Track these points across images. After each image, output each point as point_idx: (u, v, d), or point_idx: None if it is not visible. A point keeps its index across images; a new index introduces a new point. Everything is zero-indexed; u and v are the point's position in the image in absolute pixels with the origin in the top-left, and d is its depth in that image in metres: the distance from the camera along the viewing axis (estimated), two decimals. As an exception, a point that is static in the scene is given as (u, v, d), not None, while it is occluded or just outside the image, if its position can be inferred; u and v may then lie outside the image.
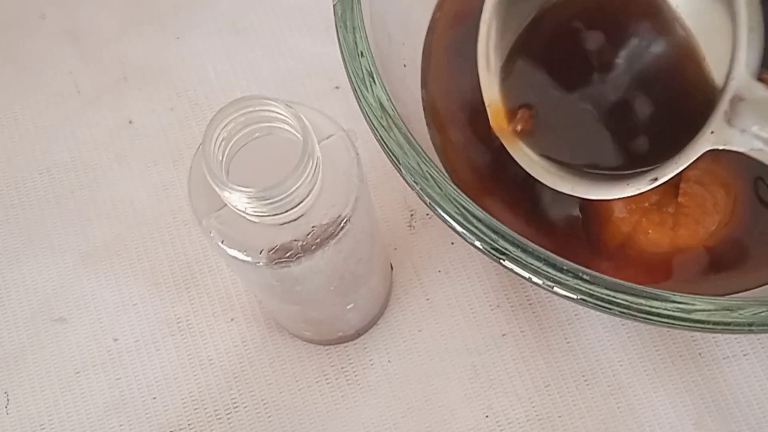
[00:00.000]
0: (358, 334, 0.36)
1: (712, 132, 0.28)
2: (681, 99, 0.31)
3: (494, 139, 0.34)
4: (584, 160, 0.33)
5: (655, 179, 0.30)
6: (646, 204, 0.33)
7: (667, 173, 0.30)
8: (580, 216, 0.34)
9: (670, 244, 0.33)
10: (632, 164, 0.32)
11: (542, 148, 0.33)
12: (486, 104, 0.34)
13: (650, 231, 0.33)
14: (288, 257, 0.25)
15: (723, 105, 0.28)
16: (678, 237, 0.33)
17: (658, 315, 0.26)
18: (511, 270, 0.27)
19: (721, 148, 0.28)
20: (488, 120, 0.34)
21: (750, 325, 0.26)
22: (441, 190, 0.27)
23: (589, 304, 0.26)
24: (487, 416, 0.35)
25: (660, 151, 0.31)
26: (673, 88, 0.31)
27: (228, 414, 0.36)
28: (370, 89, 0.28)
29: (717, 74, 0.30)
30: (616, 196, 0.31)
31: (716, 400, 0.35)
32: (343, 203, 0.26)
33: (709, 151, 0.29)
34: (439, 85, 0.37)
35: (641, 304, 0.26)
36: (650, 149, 0.32)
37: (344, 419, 0.35)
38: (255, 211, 0.24)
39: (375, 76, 0.28)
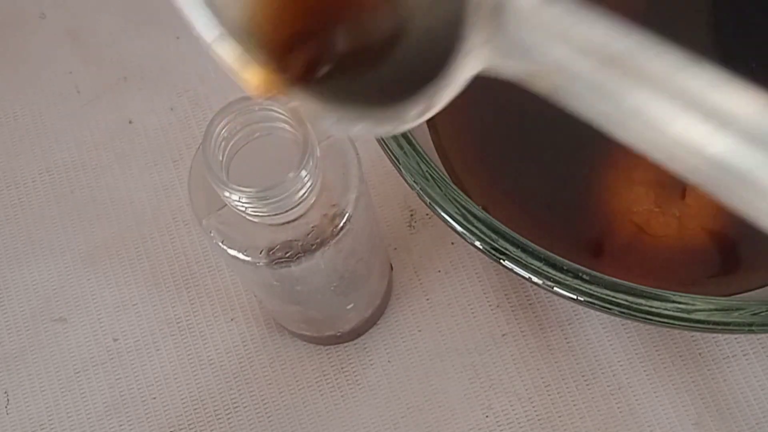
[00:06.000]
0: (357, 334, 0.36)
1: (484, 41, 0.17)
2: None
3: (495, 137, 0.34)
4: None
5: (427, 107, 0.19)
6: (652, 206, 0.33)
7: (437, 101, 0.18)
8: (585, 218, 0.34)
9: (675, 246, 0.33)
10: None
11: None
12: None
13: (655, 233, 0.33)
14: (288, 257, 0.25)
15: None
16: (683, 239, 0.33)
17: (658, 315, 0.26)
18: (511, 270, 0.27)
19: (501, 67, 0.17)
20: (487, 119, 0.34)
21: (750, 325, 0.26)
22: (441, 190, 0.27)
23: (589, 304, 0.26)
24: (487, 416, 0.35)
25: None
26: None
27: (228, 414, 0.36)
28: (369, 89, 0.28)
29: None
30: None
31: (716, 400, 0.35)
32: (343, 203, 0.26)
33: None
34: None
35: (641, 304, 0.26)
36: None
37: (344, 419, 0.35)
38: (255, 211, 0.24)
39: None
